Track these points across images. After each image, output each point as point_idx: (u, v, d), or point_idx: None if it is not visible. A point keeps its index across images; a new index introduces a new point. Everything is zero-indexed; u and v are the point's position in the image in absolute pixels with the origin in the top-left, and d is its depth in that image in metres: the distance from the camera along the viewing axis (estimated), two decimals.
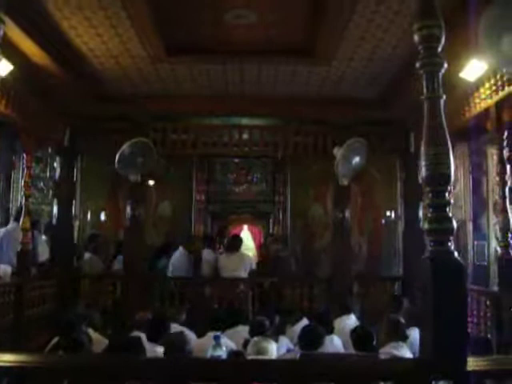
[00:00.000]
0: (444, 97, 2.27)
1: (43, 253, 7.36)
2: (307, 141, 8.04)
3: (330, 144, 7.80)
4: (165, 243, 8.94)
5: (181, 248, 8.32)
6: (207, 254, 8.43)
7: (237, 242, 8.23)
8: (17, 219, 6.96)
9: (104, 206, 9.46)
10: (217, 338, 3.78)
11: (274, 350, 4.50)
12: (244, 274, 7.90)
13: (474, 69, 5.24)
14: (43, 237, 7.79)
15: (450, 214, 2.22)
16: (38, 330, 6.64)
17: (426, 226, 2.25)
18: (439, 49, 2.28)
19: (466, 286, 2.23)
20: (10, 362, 2.44)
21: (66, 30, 5.31)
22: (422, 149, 2.25)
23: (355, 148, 7.21)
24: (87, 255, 8.35)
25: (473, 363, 2.23)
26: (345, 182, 7.68)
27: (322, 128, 8.03)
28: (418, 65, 2.31)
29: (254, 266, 8.03)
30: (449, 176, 2.21)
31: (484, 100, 5.52)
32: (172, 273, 8.15)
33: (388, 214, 9.42)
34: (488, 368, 2.31)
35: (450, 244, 2.20)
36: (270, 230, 10.00)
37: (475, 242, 8.61)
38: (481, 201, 8.54)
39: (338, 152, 7.24)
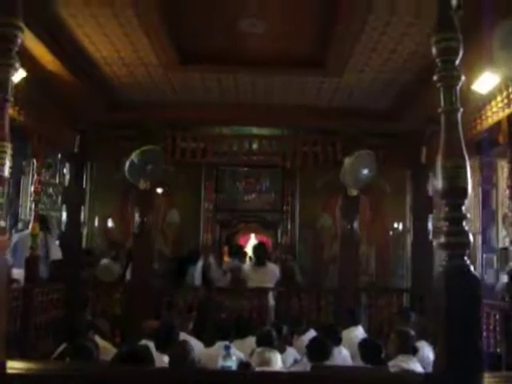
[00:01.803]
0: (461, 110, 2.27)
1: (56, 252, 7.37)
2: (317, 151, 8.04)
3: (339, 155, 7.80)
4: (189, 252, 8.93)
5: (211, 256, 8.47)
6: (233, 264, 8.54)
7: (264, 253, 8.17)
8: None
9: (113, 212, 9.49)
10: (227, 348, 3.76)
11: (279, 360, 4.48)
12: (271, 286, 7.87)
13: (486, 81, 5.21)
14: (56, 242, 7.78)
15: (466, 228, 2.20)
16: (44, 336, 6.65)
17: (441, 239, 2.23)
18: (457, 62, 2.27)
19: (482, 301, 2.21)
20: (19, 369, 2.44)
21: (79, 38, 5.34)
22: (439, 162, 2.24)
23: (364, 160, 7.22)
24: (105, 261, 8.37)
25: (486, 380, 2.21)
26: (354, 193, 7.69)
27: (332, 139, 8.03)
28: (435, 77, 2.30)
29: (279, 277, 7.98)
30: (466, 189, 2.20)
31: (496, 113, 5.49)
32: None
33: (397, 225, 9.40)
34: None
35: (465, 258, 2.18)
36: (279, 240, 9.98)
37: (484, 255, 8.58)
38: (490, 214, 8.52)
39: (346, 162, 7.27)
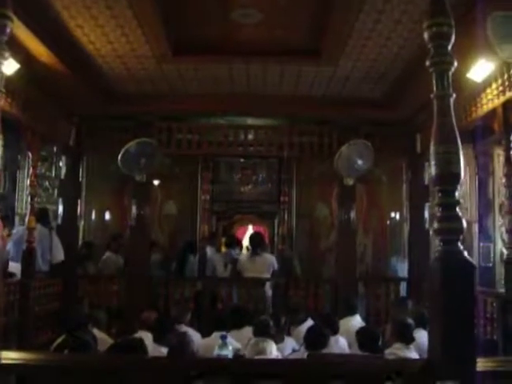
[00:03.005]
0: (454, 95, 2.26)
1: (58, 253, 7.34)
2: (313, 141, 8.04)
3: (335, 144, 7.80)
4: (188, 242, 8.94)
5: (209, 247, 8.45)
6: (229, 254, 8.61)
7: (260, 242, 8.18)
8: (38, 221, 6.91)
9: (109, 205, 9.48)
10: (223, 338, 3.78)
11: (273, 350, 4.49)
12: (268, 276, 7.89)
13: (481, 69, 5.21)
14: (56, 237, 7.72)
15: (460, 214, 2.20)
16: (42, 328, 6.65)
17: (435, 225, 2.23)
18: (449, 47, 2.26)
19: (475, 286, 2.21)
20: (16, 359, 2.44)
21: (72, 29, 5.31)
22: (432, 148, 2.23)
23: (359, 149, 7.23)
24: (107, 254, 8.37)
25: (481, 364, 2.22)
26: (350, 182, 7.69)
27: (328, 128, 8.02)
28: (427, 63, 2.29)
29: (276, 267, 7.99)
30: (458, 175, 2.19)
31: (491, 101, 5.49)
32: (209, 273, 8.32)
33: (393, 214, 9.41)
34: (496, 369, 2.29)
35: (459, 244, 2.18)
36: (275, 230, 9.99)
37: (481, 244, 8.59)
38: (486, 202, 8.52)
39: (343, 149, 7.30)
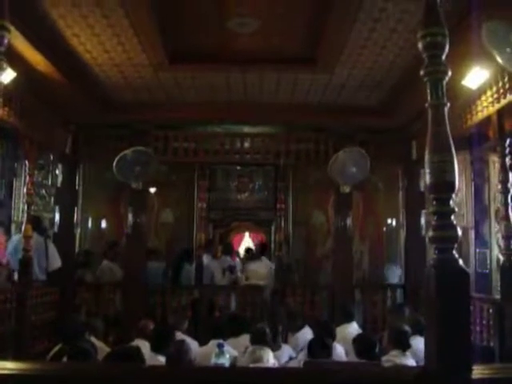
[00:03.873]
0: (448, 104, 2.27)
1: (55, 261, 7.31)
2: (309, 148, 8.07)
3: (331, 152, 7.82)
4: (184, 250, 8.95)
5: (206, 255, 8.52)
6: (229, 260, 8.70)
7: (259, 249, 8.32)
8: (34, 229, 6.88)
9: (106, 213, 9.48)
10: (220, 346, 3.77)
11: (270, 358, 4.48)
12: (267, 281, 7.99)
13: (476, 76, 5.26)
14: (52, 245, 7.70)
15: (455, 222, 2.21)
16: (38, 337, 6.63)
17: (430, 233, 2.23)
18: (443, 57, 2.27)
19: (470, 294, 2.22)
20: (12, 369, 2.43)
21: (68, 38, 5.33)
22: (426, 156, 2.24)
23: (354, 156, 7.26)
24: (105, 262, 8.36)
25: (477, 371, 2.22)
26: (346, 190, 7.71)
27: (324, 136, 8.05)
28: (422, 72, 2.30)
29: (272, 273, 8.10)
30: (453, 183, 2.20)
31: (486, 108, 5.52)
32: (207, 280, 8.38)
33: (390, 221, 9.43)
34: (493, 376, 2.29)
35: (454, 252, 2.19)
36: (272, 237, 10.01)
37: (477, 250, 8.60)
38: (482, 208, 8.54)
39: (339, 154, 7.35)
